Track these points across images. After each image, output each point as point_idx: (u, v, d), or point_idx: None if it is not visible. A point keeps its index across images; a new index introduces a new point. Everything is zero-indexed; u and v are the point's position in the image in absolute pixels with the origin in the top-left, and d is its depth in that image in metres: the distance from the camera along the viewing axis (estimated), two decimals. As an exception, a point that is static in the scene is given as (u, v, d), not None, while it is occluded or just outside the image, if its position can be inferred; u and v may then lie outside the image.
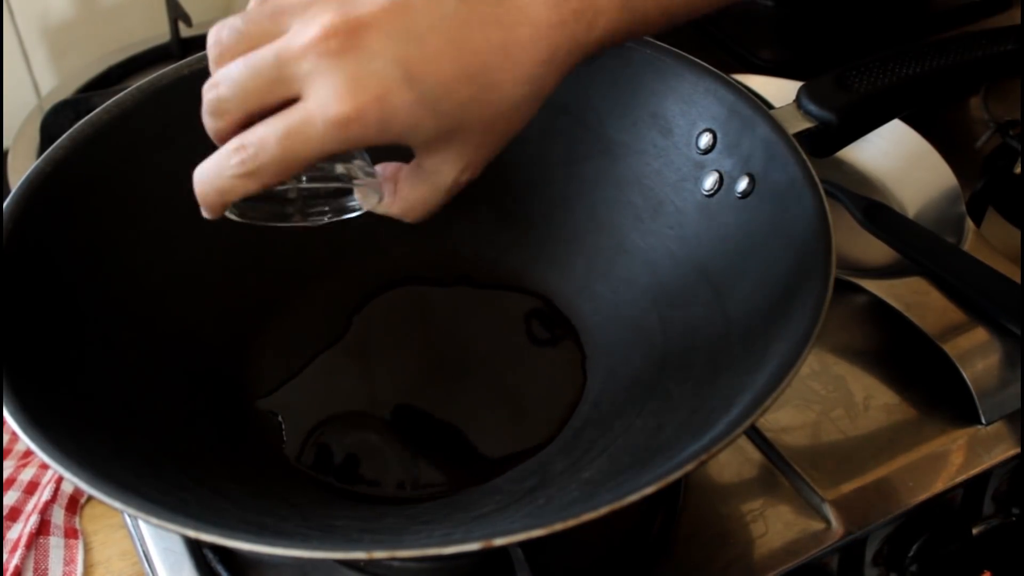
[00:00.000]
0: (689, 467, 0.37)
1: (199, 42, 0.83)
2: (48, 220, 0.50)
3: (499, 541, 0.35)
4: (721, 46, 0.85)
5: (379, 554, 0.35)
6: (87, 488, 0.38)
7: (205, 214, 0.42)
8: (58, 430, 0.41)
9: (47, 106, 0.77)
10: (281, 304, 0.59)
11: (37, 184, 0.50)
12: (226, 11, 0.91)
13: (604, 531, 0.53)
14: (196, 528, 0.36)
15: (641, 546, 0.52)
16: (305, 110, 0.37)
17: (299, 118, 0.37)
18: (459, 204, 0.60)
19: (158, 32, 0.84)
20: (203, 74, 0.56)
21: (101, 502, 0.37)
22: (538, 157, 0.58)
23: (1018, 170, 0.73)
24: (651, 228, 0.56)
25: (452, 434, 0.53)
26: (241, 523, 0.43)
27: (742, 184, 0.52)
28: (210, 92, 0.39)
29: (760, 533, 0.53)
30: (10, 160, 0.75)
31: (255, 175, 0.38)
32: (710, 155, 0.54)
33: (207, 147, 0.57)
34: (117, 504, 0.37)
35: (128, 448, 0.45)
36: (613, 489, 0.38)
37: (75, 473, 0.38)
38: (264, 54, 0.37)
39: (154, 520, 0.36)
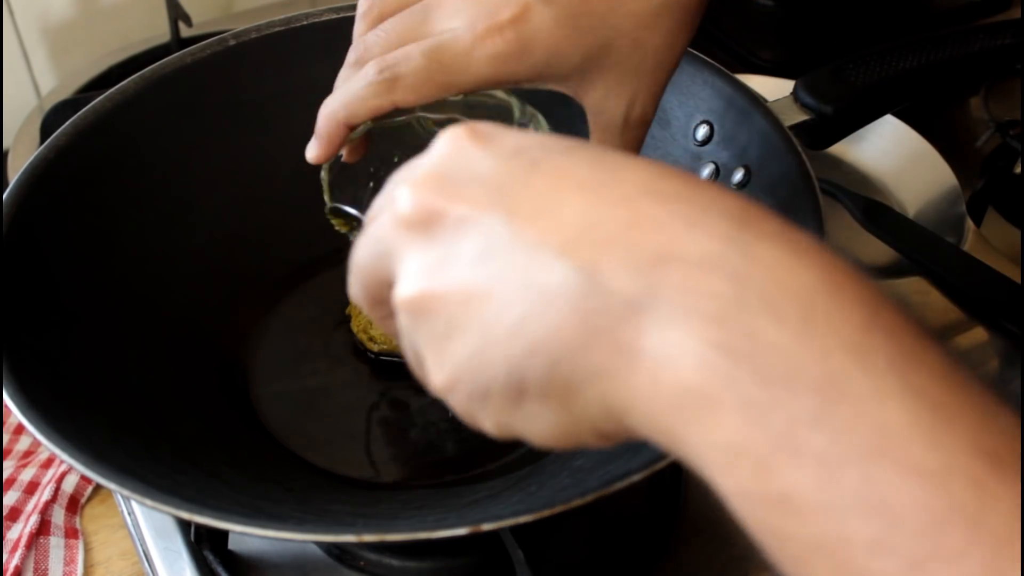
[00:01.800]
0: None
1: (199, 42, 0.83)
2: (50, 206, 0.50)
3: (487, 526, 0.35)
4: (721, 46, 0.85)
5: (369, 537, 0.35)
6: (83, 469, 0.38)
7: (315, 151, 0.42)
8: (57, 413, 0.41)
9: (47, 106, 0.77)
10: (282, 293, 0.59)
11: (40, 170, 0.50)
12: (226, 11, 0.91)
13: (605, 531, 0.53)
14: (190, 510, 0.36)
15: (642, 546, 0.52)
16: (453, 34, 0.38)
17: (447, 37, 0.38)
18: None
19: (158, 32, 0.84)
20: (206, 63, 0.57)
21: (100, 486, 0.37)
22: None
23: (1018, 170, 0.73)
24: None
25: (449, 421, 0.53)
26: (235, 506, 0.43)
27: (738, 175, 0.52)
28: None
29: (760, 533, 0.53)
30: (10, 160, 0.75)
31: (393, 86, 0.39)
32: (707, 147, 0.54)
33: (209, 135, 0.57)
34: (112, 485, 0.37)
35: (126, 431, 0.45)
36: (602, 476, 0.38)
37: (72, 455, 0.38)
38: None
39: (148, 502, 0.36)
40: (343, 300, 0.59)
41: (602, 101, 0.41)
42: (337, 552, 0.50)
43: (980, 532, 0.20)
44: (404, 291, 0.28)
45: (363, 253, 0.31)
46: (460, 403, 0.29)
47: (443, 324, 0.27)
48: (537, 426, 0.28)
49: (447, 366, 0.28)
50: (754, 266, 0.24)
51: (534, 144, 0.28)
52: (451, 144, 0.29)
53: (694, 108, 0.54)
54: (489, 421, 0.29)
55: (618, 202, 0.25)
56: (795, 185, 0.48)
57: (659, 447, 0.26)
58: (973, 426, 0.22)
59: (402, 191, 0.28)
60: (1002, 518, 0.21)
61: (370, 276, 0.31)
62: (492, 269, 0.26)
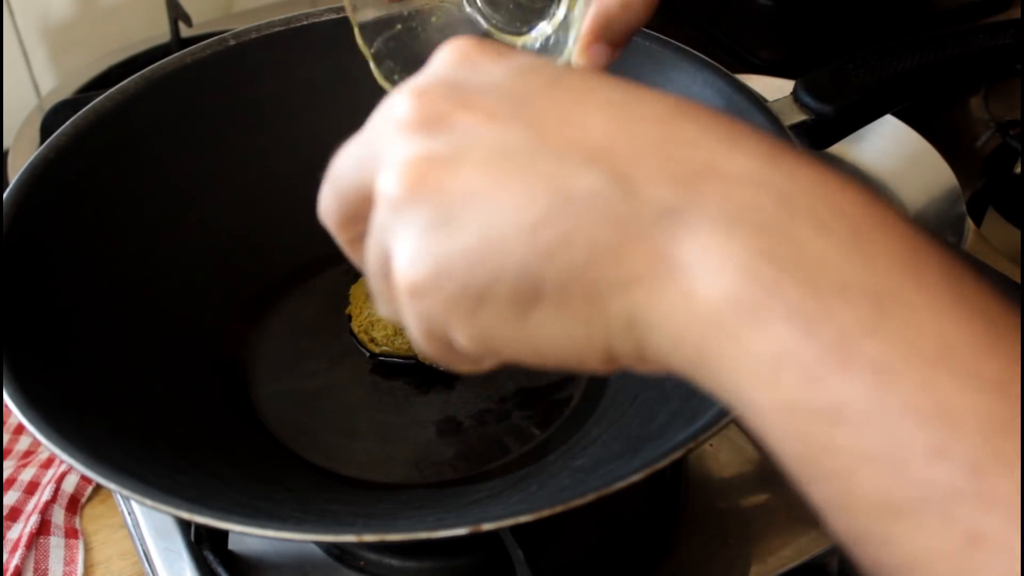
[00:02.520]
0: (677, 455, 0.38)
1: (199, 42, 0.83)
2: (50, 206, 0.50)
3: (487, 526, 0.35)
4: (721, 46, 0.85)
5: (369, 537, 0.35)
6: (83, 469, 0.38)
7: None
8: (57, 413, 0.41)
9: (47, 106, 0.77)
10: (282, 293, 0.59)
11: (40, 170, 0.50)
12: (226, 11, 0.91)
13: (605, 531, 0.53)
14: (189, 510, 0.36)
15: (642, 546, 0.52)
16: None
17: None
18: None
19: (158, 32, 0.84)
20: (206, 63, 0.57)
21: (100, 486, 0.37)
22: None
23: (1018, 170, 0.73)
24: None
25: (449, 420, 0.53)
26: (235, 506, 0.43)
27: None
28: None
29: (760, 532, 0.53)
30: (10, 160, 0.75)
31: None
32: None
33: (209, 135, 0.58)
34: (112, 485, 0.37)
35: (126, 431, 0.45)
36: (602, 476, 0.38)
37: (71, 454, 0.38)
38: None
39: (148, 502, 0.36)
40: (343, 300, 0.59)
41: None
42: (337, 552, 0.50)
43: None
44: (390, 176, 0.25)
45: (345, 156, 0.28)
46: (432, 306, 0.25)
47: (434, 215, 0.24)
48: (540, 338, 0.25)
49: (428, 259, 0.24)
50: (798, 185, 0.23)
51: (551, 64, 0.26)
52: (458, 54, 0.26)
53: (694, 108, 0.54)
54: (468, 331, 0.25)
55: (650, 120, 0.24)
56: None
57: (676, 371, 0.25)
58: None
59: (401, 98, 0.26)
60: None
61: (348, 183, 0.27)
62: (509, 168, 0.24)
